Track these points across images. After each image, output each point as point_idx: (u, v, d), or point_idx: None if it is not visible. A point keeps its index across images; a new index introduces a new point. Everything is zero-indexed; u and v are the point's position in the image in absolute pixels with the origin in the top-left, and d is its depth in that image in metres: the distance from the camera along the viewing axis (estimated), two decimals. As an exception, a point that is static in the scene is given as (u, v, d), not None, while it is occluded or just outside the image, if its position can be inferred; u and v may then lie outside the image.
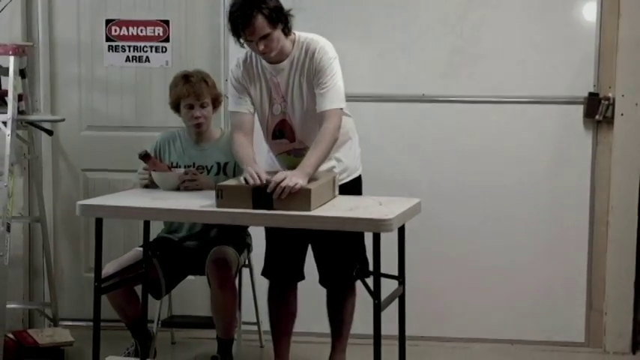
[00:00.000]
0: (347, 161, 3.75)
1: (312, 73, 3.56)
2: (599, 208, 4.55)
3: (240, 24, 3.40)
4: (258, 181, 3.26)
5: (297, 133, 3.66)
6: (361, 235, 3.68)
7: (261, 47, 3.44)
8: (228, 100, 3.76)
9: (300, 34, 3.61)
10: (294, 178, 3.24)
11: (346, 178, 3.74)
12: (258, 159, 3.63)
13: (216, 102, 4.11)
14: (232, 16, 3.42)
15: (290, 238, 3.73)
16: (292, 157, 3.68)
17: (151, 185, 3.87)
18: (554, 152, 4.56)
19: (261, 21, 3.39)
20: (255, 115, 3.70)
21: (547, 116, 4.54)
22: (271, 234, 3.83)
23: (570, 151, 4.54)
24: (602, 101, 4.44)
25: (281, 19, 3.46)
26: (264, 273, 3.92)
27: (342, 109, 3.56)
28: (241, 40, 3.48)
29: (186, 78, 4.06)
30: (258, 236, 4.22)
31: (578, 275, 4.59)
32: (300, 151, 3.64)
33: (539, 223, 4.58)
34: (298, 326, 4.00)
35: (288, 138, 3.69)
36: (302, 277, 3.90)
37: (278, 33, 3.47)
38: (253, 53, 3.61)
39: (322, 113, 3.53)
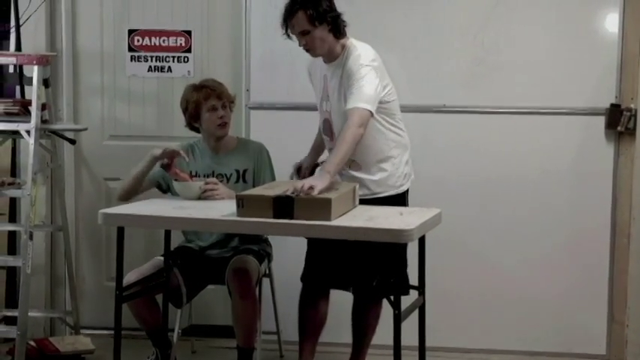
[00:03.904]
0: (383, 177, 3.77)
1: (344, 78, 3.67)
2: (620, 220, 4.53)
3: (285, 16, 3.64)
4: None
5: (334, 134, 3.76)
6: (402, 251, 3.66)
7: (302, 42, 3.65)
8: None
9: (352, 41, 3.74)
10: (313, 182, 3.32)
11: (382, 194, 3.76)
12: None
13: (231, 106, 4.14)
14: (284, 8, 3.66)
15: (330, 245, 3.71)
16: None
17: (172, 192, 3.90)
18: (576, 163, 4.54)
19: (301, 17, 3.59)
20: None
21: (568, 127, 4.53)
22: (313, 240, 3.84)
23: (592, 162, 4.53)
24: (624, 112, 4.42)
25: (325, 21, 3.61)
26: (303, 278, 3.93)
27: (367, 110, 3.55)
28: (289, 32, 3.67)
29: (200, 85, 4.09)
30: (278, 245, 4.24)
31: (599, 287, 4.57)
32: None
33: (561, 234, 4.56)
34: (322, 335, 4.00)
35: (328, 136, 3.81)
36: (337, 286, 3.90)
37: (321, 33, 3.62)
38: None
39: (345, 113, 3.59)
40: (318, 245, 3.82)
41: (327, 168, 3.47)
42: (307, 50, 3.67)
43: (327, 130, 3.81)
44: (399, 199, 3.81)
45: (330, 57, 3.71)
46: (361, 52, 3.68)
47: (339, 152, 3.51)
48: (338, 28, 3.66)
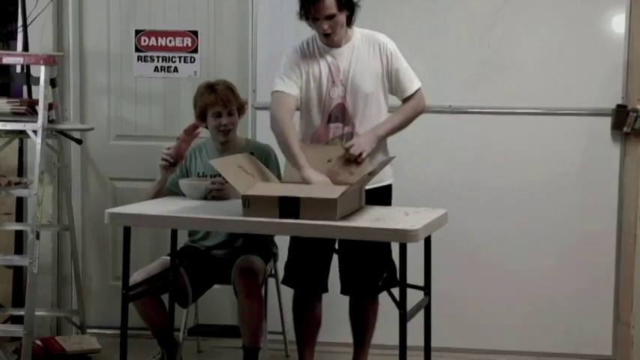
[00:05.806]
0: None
1: (380, 63, 3.74)
2: (626, 221, 4.53)
3: (310, 1, 3.59)
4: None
5: (351, 117, 3.75)
6: (388, 245, 3.69)
7: (325, 27, 3.64)
8: (275, 80, 3.78)
9: (357, 28, 3.81)
10: (363, 146, 3.58)
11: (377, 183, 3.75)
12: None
13: (241, 110, 4.15)
14: None
15: (315, 247, 3.74)
16: (344, 142, 3.74)
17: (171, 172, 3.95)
18: (582, 164, 4.54)
19: (330, 1, 3.59)
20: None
21: (574, 128, 4.52)
22: (296, 242, 3.86)
23: (598, 163, 4.53)
24: (631, 113, 4.41)
25: (349, 6, 3.67)
26: (285, 281, 3.95)
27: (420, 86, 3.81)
28: (309, 20, 3.65)
29: (211, 87, 4.10)
30: (284, 245, 4.24)
31: (605, 288, 4.56)
32: (351, 135, 3.74)
33: (567, 235, 4.56)
34: (321, 335, 4.01)
35: (342, 121, 3.78)
36: (325, 290, 3.91)
37: (343, 18, 3.67)
38: (314, 39, 3.77)
39: (408, 97, 3.77)
40: (304, 247, 3.81)
41: (378, 131, 3.67)
42: (326, 35, 3.66)
43: (341, 116, 3.76)
44: (387, 193, 3.85)
45: (341, 41, 3.74)
46: (383, 37, 3.80)
47: (395, 120, 3.73)
48: (352, 17, 3.72)
